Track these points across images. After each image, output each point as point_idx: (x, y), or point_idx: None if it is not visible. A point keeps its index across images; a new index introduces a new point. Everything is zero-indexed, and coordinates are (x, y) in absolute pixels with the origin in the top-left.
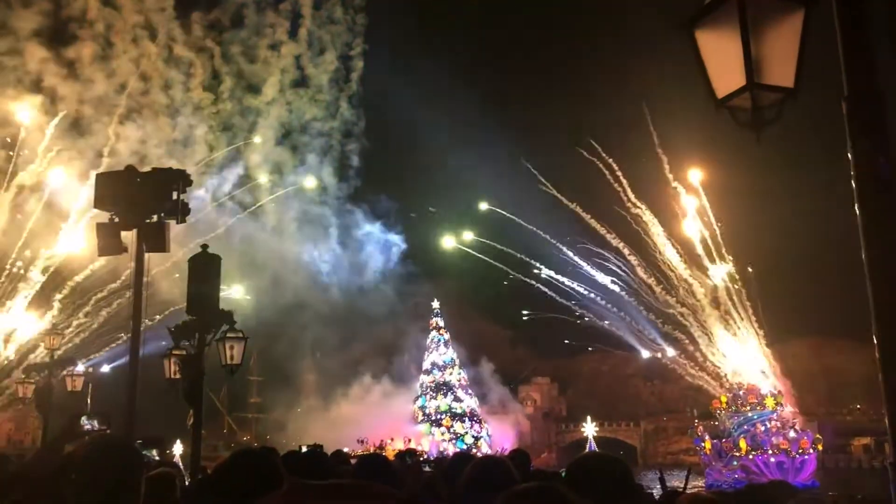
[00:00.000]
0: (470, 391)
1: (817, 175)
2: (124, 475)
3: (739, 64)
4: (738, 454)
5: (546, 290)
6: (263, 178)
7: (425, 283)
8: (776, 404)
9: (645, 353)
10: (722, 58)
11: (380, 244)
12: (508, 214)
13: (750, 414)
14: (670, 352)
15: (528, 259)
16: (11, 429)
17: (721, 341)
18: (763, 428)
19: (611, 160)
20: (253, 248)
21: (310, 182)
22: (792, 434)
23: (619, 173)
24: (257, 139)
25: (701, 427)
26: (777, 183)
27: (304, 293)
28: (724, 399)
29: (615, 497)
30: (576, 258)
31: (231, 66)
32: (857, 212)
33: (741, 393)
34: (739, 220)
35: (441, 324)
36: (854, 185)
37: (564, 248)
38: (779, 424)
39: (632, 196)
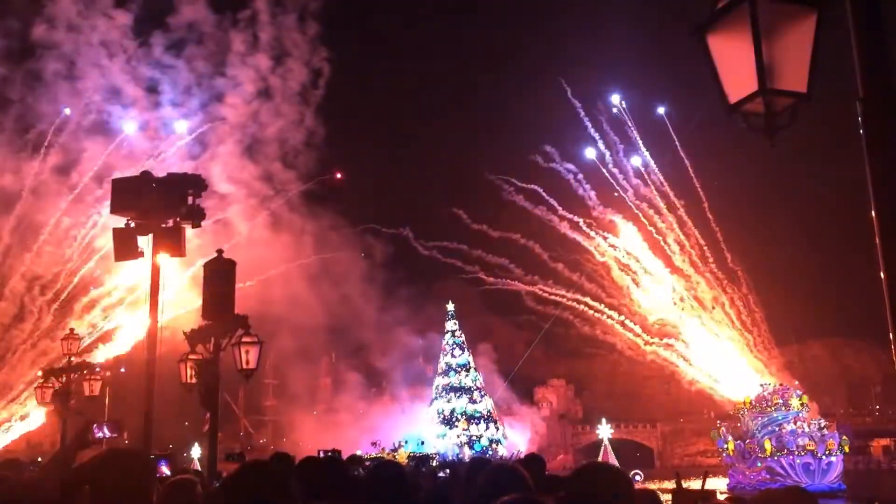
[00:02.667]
0: (485, 393)
1: (834, 175)
2: (136, 486)
3: (751, 69)
4: (762, 455)
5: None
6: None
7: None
8: (801, 405)
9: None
10: (734, 63)
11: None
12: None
13: (775, 415)
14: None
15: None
16: (30, 432)
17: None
18: (789, 429)
19: (570, 165)
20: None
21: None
22: (819, 435)
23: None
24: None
25: (724, 428)
26: (793, 183)
27: (304, 299)
28: (747, 399)
29: None
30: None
31: (197, 80)
32: (873, 213)
33: (766, 394)
34: (756, 221)
35: (456, 326)
36: (870, 186)
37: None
38: (805, 427)
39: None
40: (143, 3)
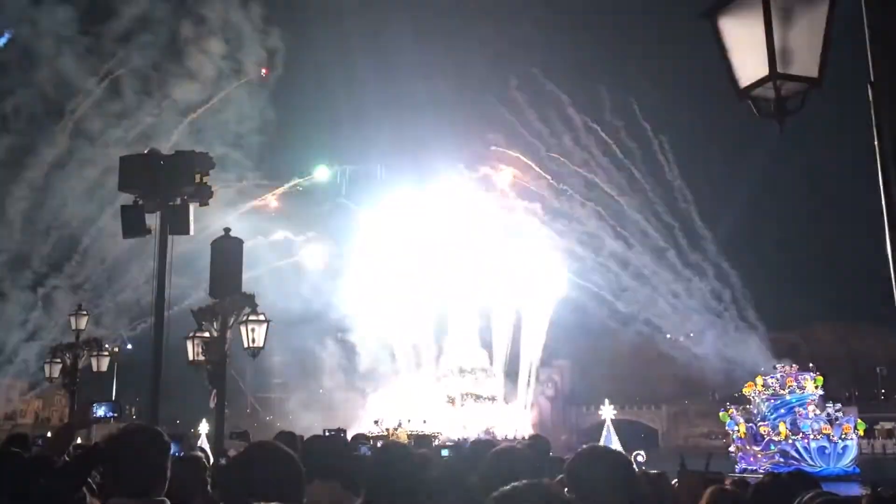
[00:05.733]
0: (492, 373)
1: (842, 158)
2: (151, 460)
3: (762, 53)
4: (777, 438)
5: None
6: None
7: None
8: (816, 387)
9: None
10: (745, 47)
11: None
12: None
13: (788, 397)
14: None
15: None
16: (39, 406)
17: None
18: (805, 412)
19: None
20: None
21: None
22: (835, 418)
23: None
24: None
25: (733, 410)
26: (800, 166)
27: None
28: (759, 381)
29: (615, 492)
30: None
31: (147, 71)
32: (882, 196)
33: (779, 375)
34: (759, 203)
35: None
36: (879, 170)
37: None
38: (817, 411)
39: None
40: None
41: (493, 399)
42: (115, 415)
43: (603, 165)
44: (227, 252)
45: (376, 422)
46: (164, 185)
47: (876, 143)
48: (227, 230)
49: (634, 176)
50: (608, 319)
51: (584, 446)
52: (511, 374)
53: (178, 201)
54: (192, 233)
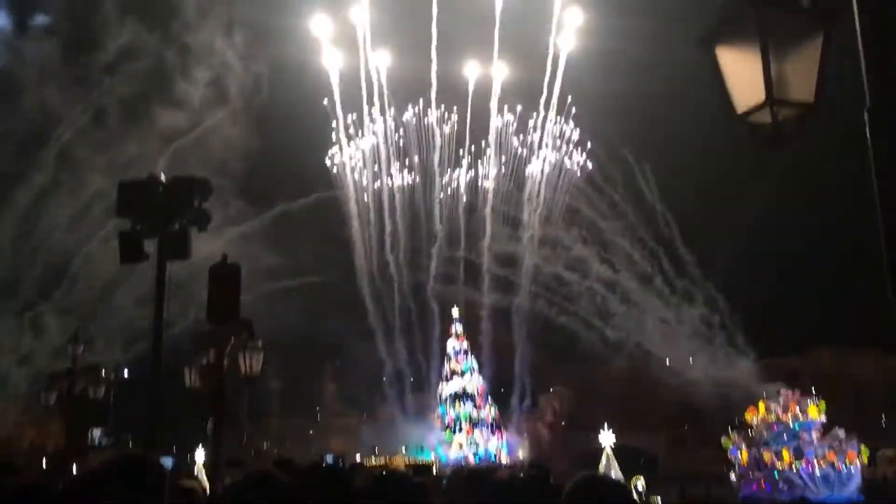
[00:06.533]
0: (489, 399)
1: (843, 181)
2: (147, 489)
3: (759, 79)
4: (780, 465)
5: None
6: None
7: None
8: (819, 413)
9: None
10: (742, 73)
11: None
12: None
13: (792, 423)
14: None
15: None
16: (34, 434)
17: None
18: (809, 438)
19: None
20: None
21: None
22: (838, 445)
23: None
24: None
25: (735, 436)
26: (801, 187)
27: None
28: (762, 406)
29: None
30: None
31: (132, 99)
32: (880, 221)
33: (781, 401)
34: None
35: (460, 331)
36: (876, 195)
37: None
38: (818, 435)
39: None
40: (72, 28)
41: (492, 425)
42: (112, 441)
43: (585, 191)
44: (224, 278)
45: (374, 449)
46: (162, 211)
47: (872, 167)
48: (224, 256)
49: (615, 200)
50: (599, 345)
51: (582, 475)
52: (507, 398)
53: (177, 227)
54: (190, 258)
